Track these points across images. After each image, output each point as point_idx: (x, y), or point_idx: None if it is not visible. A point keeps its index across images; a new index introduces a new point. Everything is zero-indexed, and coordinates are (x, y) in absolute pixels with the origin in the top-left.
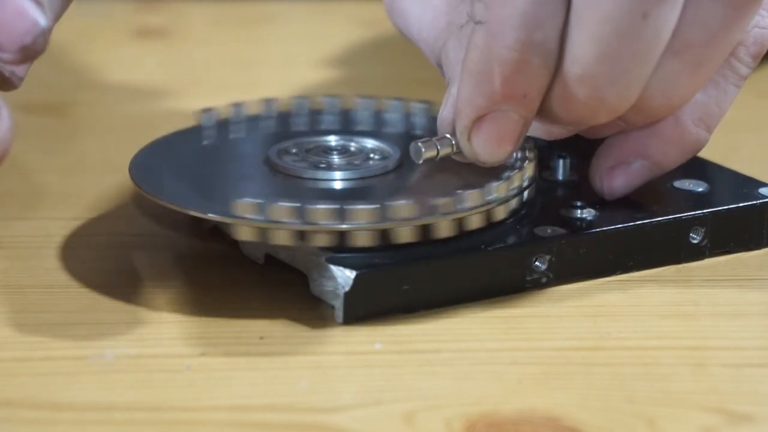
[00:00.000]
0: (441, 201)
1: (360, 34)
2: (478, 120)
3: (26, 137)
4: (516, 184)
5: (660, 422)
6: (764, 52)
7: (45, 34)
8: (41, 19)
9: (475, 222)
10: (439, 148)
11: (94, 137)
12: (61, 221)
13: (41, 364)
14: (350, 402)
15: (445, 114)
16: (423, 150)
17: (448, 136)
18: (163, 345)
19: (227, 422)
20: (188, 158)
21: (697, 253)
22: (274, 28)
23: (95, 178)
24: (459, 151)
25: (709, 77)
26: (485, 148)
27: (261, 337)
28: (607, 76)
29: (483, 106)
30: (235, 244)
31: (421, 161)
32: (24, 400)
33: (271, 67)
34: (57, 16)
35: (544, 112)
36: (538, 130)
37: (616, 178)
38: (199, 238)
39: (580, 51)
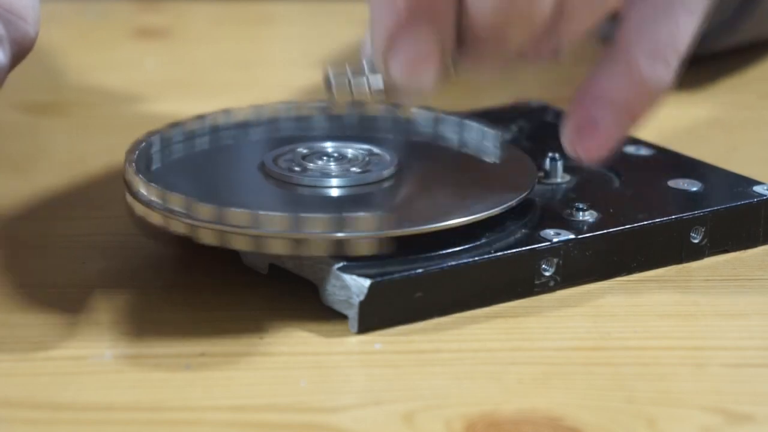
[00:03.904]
0: (452, 206)
1: (361, 35)
2: (390, 42)
3: (26, 137)
4: (522, 187)
5: (660, 422)
6: None
7: (3, 71)
8: (0, 56)
9: (482, 227)
10: (351, 78)
11: (94, 137)
12: (62, 221)
13: (41, 364)
14: (350, 402)
15: (365, 44)
16: (334, 81)
17: (363, 63)
18: (163, 345)
19: (227, 422)
20: (185, 164)
21: (697, 253)
22: (274, 28)
23: (95, 178)
24: (380, 84)
25: None
26: (403, 70)
27: (261, 337)
28: None
29: (391, 25)
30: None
31: (334, 93)
32: (24, 400)
33: (271, 67)
34: (16, 57)
35: (462, 43)
36: (472, 67)
37: (585, 137)
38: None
39: None
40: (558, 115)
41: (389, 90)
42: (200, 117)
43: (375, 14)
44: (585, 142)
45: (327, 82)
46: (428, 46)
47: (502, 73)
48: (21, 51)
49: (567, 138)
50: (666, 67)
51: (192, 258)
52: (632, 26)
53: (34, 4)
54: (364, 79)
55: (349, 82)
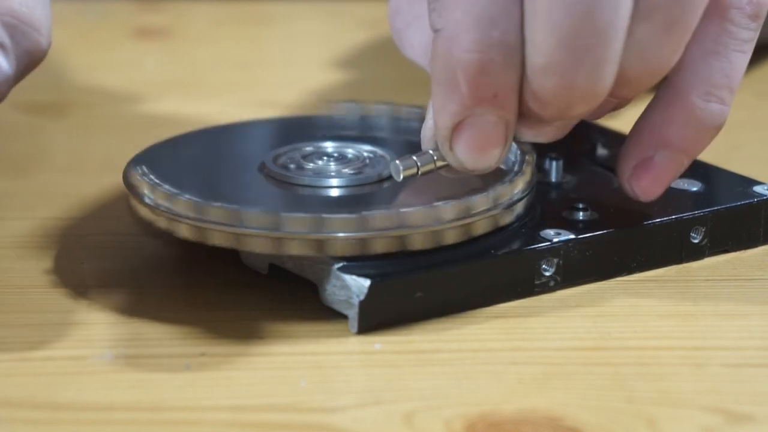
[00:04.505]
0: (450, 206)
1: (362, 34)
2: (455, 128)
3: (26, 137)
4: (521, 187)
5: (660, 422)
6: (764, 11)
7: (8, 81)
8: (5, 65)
9: (483, 227)
10: (419, 164)
11: (94, 137)
12: (61, 221)
13: (41, 364)
14: (350, 402)
15: (425, 129)
16: (401, 168)
17: (430, 151)
18: (163, 345)
19: (227, 422)
20: (184, 165)
21: (697, 253)
22: (275, 28)
23: (95, 178)
24: (446, 165)
25: (686, 37)
26: (469, 155)
27: (261, 337)
28: (572, 61)
29: (456, 112)
30: (235, 251)
31: (401, 179)
32: (24, 400)
33: (271, 68)
34: (20, 70)
35: (524, 113)
36: (533, 136)
37: (642, 176)
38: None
39: (539, 40)
40: None
41: (455, 170)
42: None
43: (438, 101)
44: (642, 181)
45: (396, 171)
46: (494, 128)
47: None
48: (32, 62)
49: (623, 176)
50: (721, 106)
51: (192, 258)
52: (686, 67)
53: (48, 15)
54: (432, 165)
55: (418, 168)
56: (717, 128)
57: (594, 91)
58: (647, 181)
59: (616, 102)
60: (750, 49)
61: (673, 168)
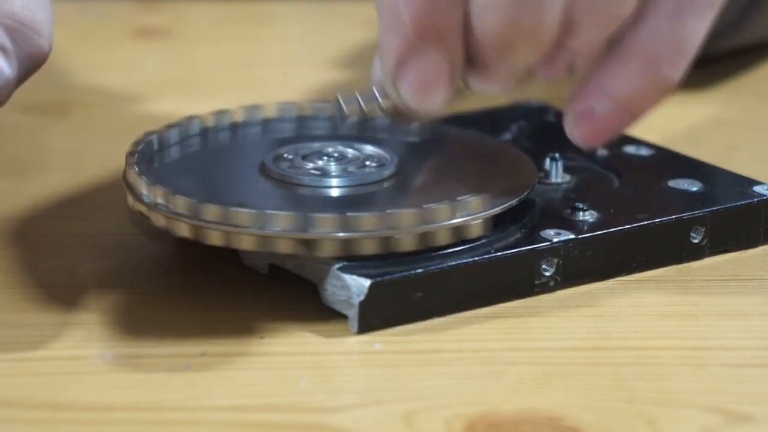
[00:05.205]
0: (442, 208)
1: (360, 35)
2: (400, 64)
3: (26, 137)
4: (522, 187)
5: (660, 422)
6: None
7: (9, 84)
8: (6, 68)
9: (481, 228)
10: (362, 102)
11: (94, 137)
12: (61, 221)
13: (41, 364)
14: (350, 402)
15: (374, 70)
16: (344, 105)
17: (374, 88)
18: (163, 345)
19: (227, 422)
20: (184, 164)
21: (697, 253)
22: (275, 28)
23: (95, 178)
24: (392, 106)
25: None
26: (413, 93)
27: (261, 337)
28: None
29: (400, 48)
30: (235, 251)
31: (346, 115)
32: (24, 400)
33: (271, 67)
34: (22, 73)
35: (471, 58)
36: (481, 84)
37: (583, 123)
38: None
39: None
40: (558, 115)
41: (401, 113)
42: (198, 116)
43: (384, 38)
44: (581, 128)
45: (339, 108)
46: (437, 67)
47: (514, 90)
48: (34, 65)
49: (566, 121)
50: (672, 69)
51: (192, 258)
52: (641, 28)
53: (49, 18)
54: (375, 104)
55: (361, 108)
56: (663, 90)
57: (537, 30)
58: (587, 130)
59: (568, 58)
60: (709, 16)
61: (613, 121)
